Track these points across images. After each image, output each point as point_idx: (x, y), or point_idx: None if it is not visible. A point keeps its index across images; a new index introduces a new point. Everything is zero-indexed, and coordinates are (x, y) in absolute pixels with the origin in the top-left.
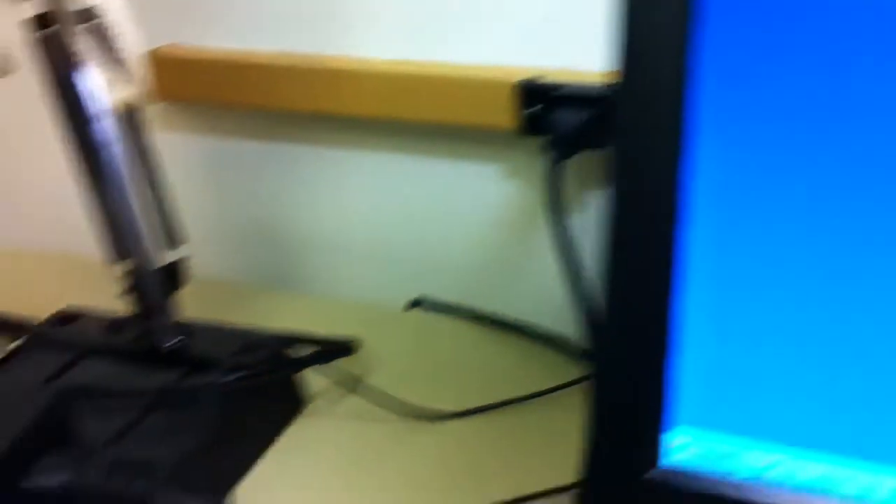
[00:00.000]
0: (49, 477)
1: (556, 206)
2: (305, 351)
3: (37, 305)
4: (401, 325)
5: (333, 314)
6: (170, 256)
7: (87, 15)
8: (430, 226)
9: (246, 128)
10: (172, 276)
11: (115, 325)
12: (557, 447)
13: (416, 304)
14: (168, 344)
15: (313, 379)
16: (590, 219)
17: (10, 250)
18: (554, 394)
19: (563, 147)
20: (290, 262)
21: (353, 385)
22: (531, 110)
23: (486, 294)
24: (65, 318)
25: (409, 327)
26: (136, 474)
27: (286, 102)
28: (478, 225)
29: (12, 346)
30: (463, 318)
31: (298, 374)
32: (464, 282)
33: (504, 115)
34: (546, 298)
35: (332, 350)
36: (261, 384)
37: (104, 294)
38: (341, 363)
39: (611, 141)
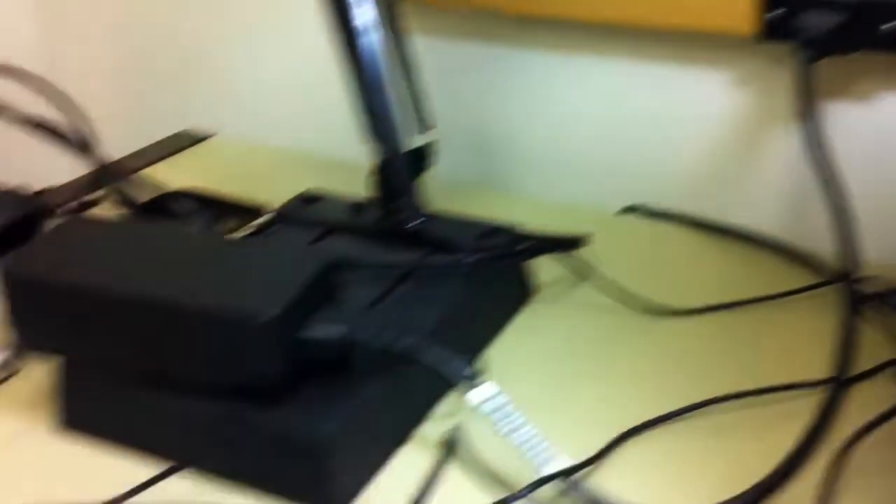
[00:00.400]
0: (326, 329)
1: (808, 112)
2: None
3: (268, 195)
4: (616, 228)
5: (549, 215)
6: (418, 140)
7: None
8: (651, 132)
9: (466, 29)
10: (420, 159)
11: (356, 206)
12: (789, 348)
13: (630, 209)
14: (411, 224)
15: (542, 269)
16: (836, 125)
17: (239, 142)
18: (784, 299)
19: (813, 51)
20: (506, 164)
21: (585, 274)
22: (773, 14)
23: (703, 201)
24: (307, 200)
25: (624, 231)
26: (401, 333)
27: (508, 4)
28: (700, 132)
29: (256, 223)
30: (678, 223)
31: (529, 263)
32: (681, 189)
33: (741, 20)
34: (769, 206)
35: (563, 242)
36: (500, 267)
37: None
38: (569, 257)
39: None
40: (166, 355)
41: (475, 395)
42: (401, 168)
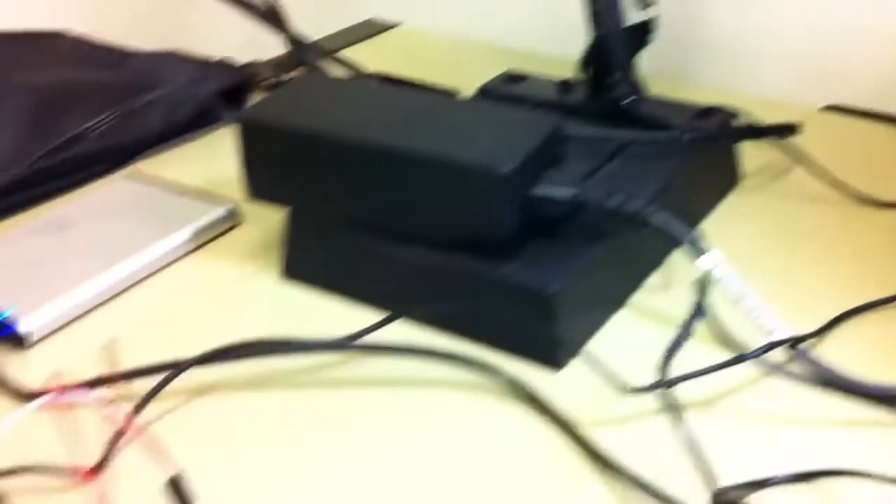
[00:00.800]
0: (557, 189)
1: None
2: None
3: (457, 82)
4: (818, 124)
5: (750, 108)
6: (638, 16)
7: None
8: (856, 29)
9: None
10: (639, 35)
11: (563, 84)
12: None
13: (832, 107)
14: (626, 101)
15: (747, 156)
16: None
17: (425, 32)
18: None
19: None
20: (708, 56)
21: (796, 161)
22: None
23: None
24: (512, 79)
25: (827, 127)
26: (629, 197)
27: None
28: None
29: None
30: (883, 122)
31: (738, 149)
32: (884, 89)
33: None
34: None
35: (778, 128)
36: (714, 147)
37: None
38: (778, 145)
39: None
40: (397, 206)
41: (704, 260)
42: (618, 43)
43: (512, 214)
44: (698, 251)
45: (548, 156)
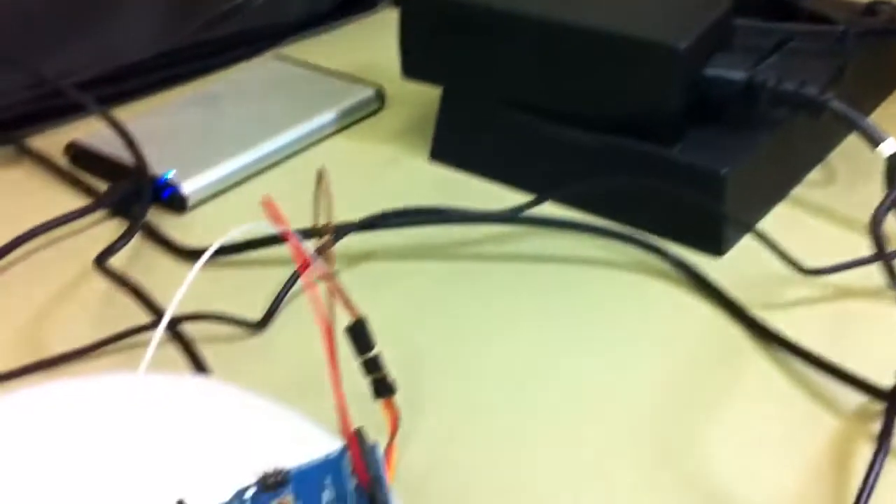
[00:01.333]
0: (731, 70)
1: None
2: None
3: None
4: None
5: None
6: None
7: None
8: None
9: None
10: None
11: None
12: None
13: None
14: None
15: None
16: None
17: None
18: None
19: None
20: None
21: None
22: None
23: None
24: None
25: None
26: (804, 82)
27: None
28: None
29: None
30: None
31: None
32: None
33: None
34: None
35: None
36: (882, 44)
37: None
38: None
39: None
40: (561, 84)
41: (887, 145)
42: None
43: (684, 93)
44: (878, 137)
45: (717, 39)
